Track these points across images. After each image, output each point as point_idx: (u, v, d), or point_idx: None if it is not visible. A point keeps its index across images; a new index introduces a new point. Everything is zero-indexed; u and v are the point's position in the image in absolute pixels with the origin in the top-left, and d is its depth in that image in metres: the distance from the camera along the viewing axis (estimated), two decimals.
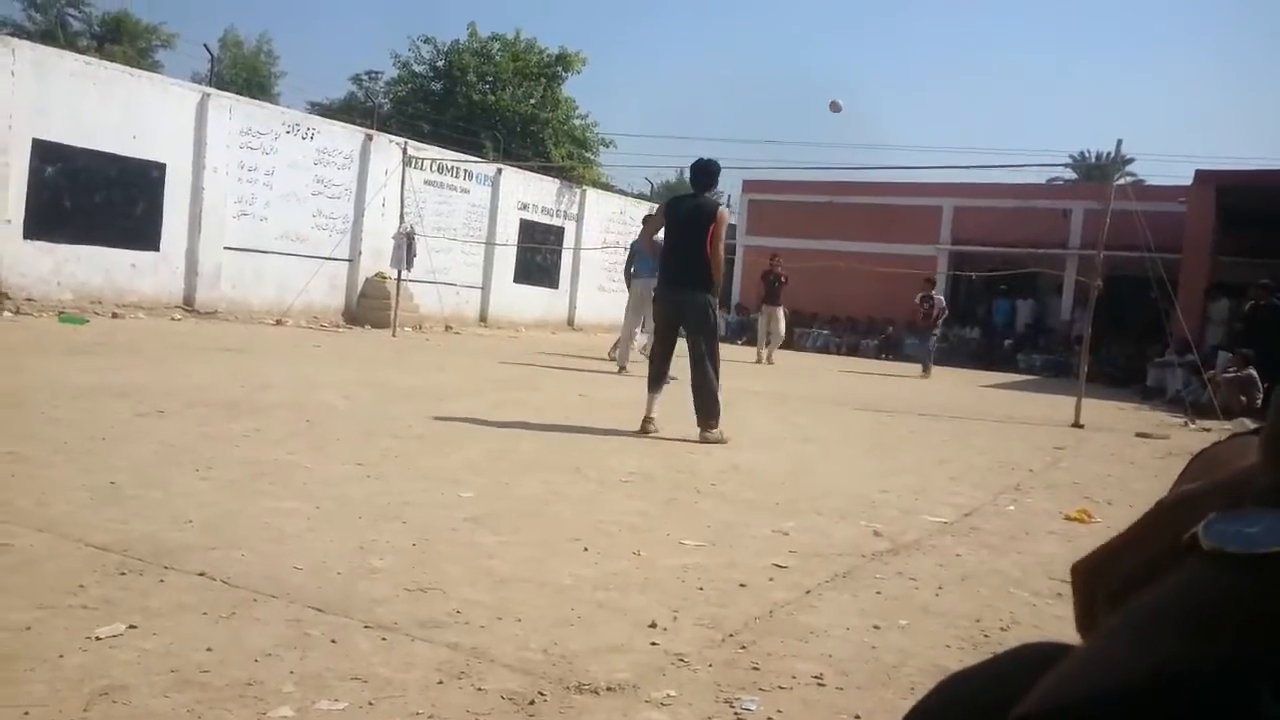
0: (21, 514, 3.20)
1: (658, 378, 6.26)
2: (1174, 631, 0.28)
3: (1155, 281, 10.00)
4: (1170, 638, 0.27)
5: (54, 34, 25.54)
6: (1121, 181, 13.58)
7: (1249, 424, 7.57)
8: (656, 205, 5.80)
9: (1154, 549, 0.33)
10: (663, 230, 6.50)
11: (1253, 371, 11.67)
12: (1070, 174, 40.04)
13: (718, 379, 6.16)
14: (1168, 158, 76.24)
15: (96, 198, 12.15)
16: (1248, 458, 0.34)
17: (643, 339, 11.07)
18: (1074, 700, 0.27)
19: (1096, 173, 35.93)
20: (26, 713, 1.87)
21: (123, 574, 2.70)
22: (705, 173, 6.42)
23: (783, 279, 15.03)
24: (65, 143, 11.76)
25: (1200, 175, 16.13)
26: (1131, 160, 31.34)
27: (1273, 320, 13.04)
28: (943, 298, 16.20)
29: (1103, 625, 0.30)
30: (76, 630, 2.27)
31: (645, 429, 6.11)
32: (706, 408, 6.09)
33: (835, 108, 12.50)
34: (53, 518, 3.19)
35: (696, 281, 6.14)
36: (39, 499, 3.40)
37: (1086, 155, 41.46)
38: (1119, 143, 10.12)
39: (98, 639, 2.23)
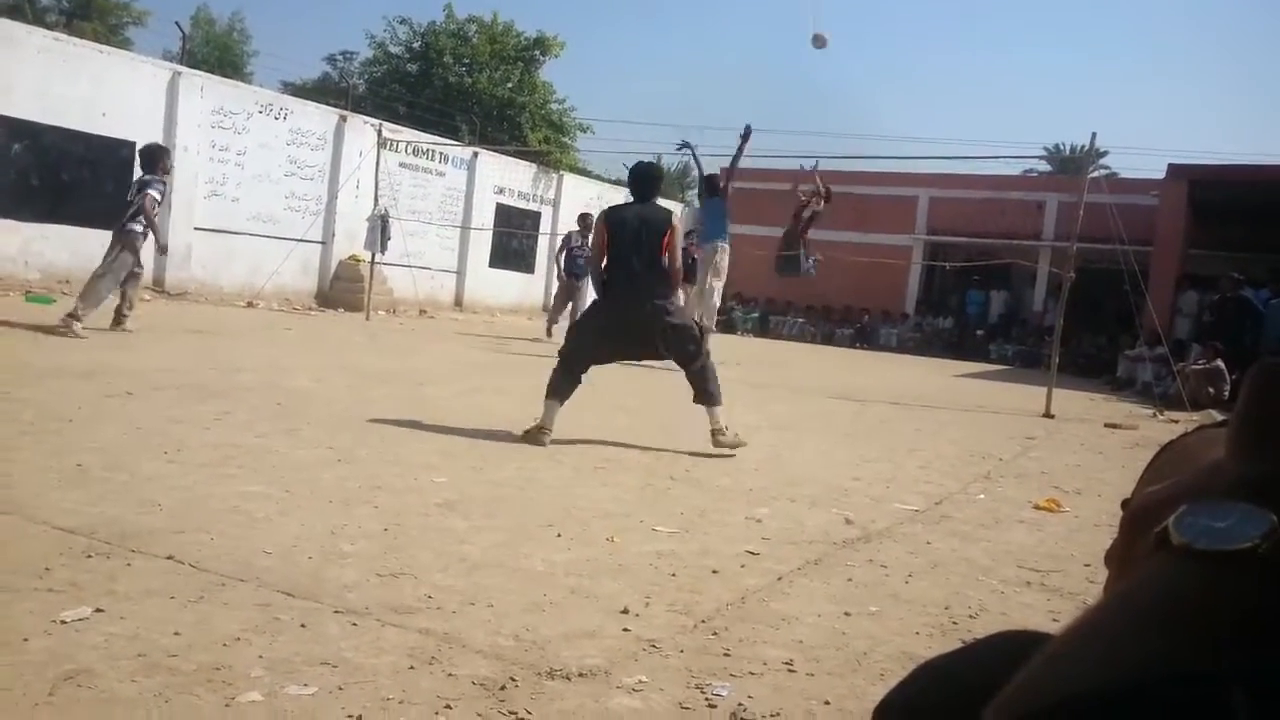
0: None
1: (569, 390, 5.35)
2: (1145, 632, 0.27)
3: (1127, 274, 10.08)
4: (1141, 638, 0.27)
5: (21, 9, 25.05)
6: (1095, 174, 13.68)
7: (1217, 415, 7.68)
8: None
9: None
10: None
11: (1220, 364, 11.82)
12: (1045, 166, 40.36)
13: (713, 368, 5.54)
14: (1141, 151, 77.10)
15: (64, 176, 11.97)
16: (1215, 449, 0.34)
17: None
18: (1043, 706, 0.27)
19: (1070, 165, 36.22)
20: None
21: (89, 557, 2.67)
22: (648, 180, 5.62)
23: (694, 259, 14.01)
24: (33, 119, 11.57)
25: (1173, 169, 16.27)
26: (1105, 153, 31.61)
27: (1241, 313, 13.23)
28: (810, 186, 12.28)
29: (1075, 619, 0.30)
30: (42, 614, 2.25)
31: (539, 439, 5.11)
32: (709, 391, 5.42)
33: (820, 42, 11.14)
34: (18, 500, 3.15)
35: (657, 296, 5.36)
36: (3, 481, 3.35)
37: (1061, 148, 41.82)
38: (1093, 135, 10.16)
39: (63, 622, 2.21)
